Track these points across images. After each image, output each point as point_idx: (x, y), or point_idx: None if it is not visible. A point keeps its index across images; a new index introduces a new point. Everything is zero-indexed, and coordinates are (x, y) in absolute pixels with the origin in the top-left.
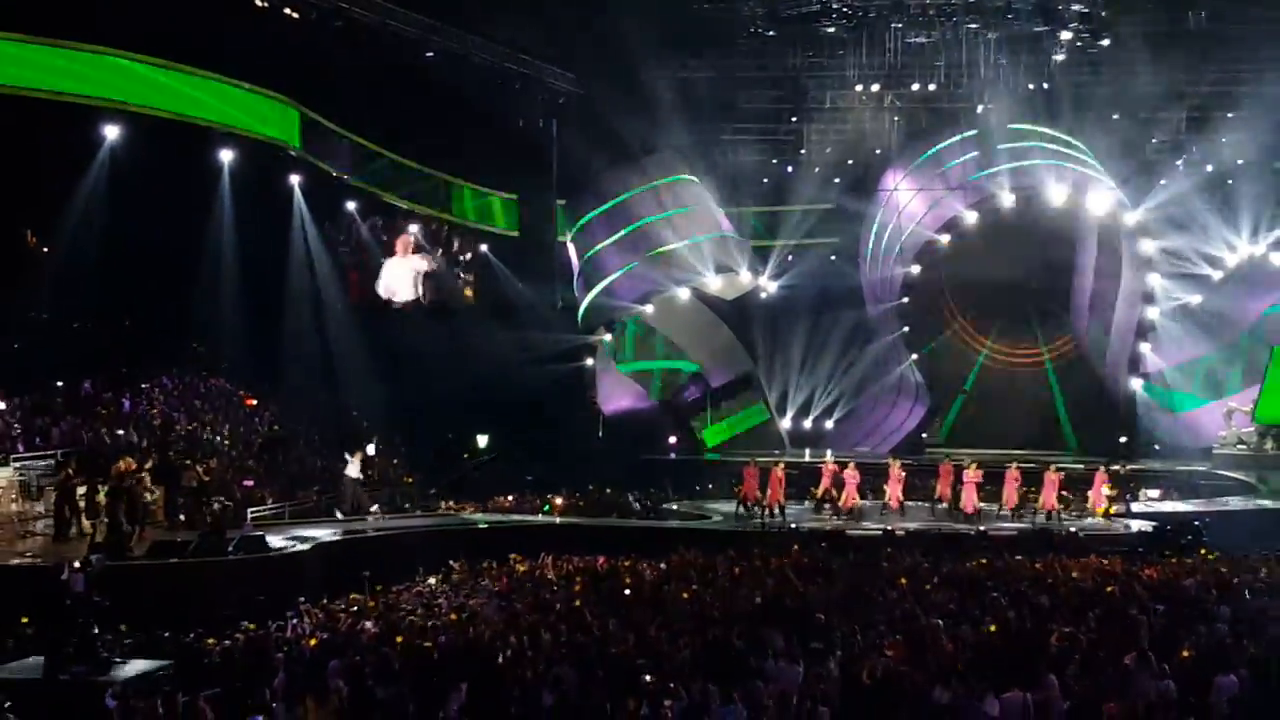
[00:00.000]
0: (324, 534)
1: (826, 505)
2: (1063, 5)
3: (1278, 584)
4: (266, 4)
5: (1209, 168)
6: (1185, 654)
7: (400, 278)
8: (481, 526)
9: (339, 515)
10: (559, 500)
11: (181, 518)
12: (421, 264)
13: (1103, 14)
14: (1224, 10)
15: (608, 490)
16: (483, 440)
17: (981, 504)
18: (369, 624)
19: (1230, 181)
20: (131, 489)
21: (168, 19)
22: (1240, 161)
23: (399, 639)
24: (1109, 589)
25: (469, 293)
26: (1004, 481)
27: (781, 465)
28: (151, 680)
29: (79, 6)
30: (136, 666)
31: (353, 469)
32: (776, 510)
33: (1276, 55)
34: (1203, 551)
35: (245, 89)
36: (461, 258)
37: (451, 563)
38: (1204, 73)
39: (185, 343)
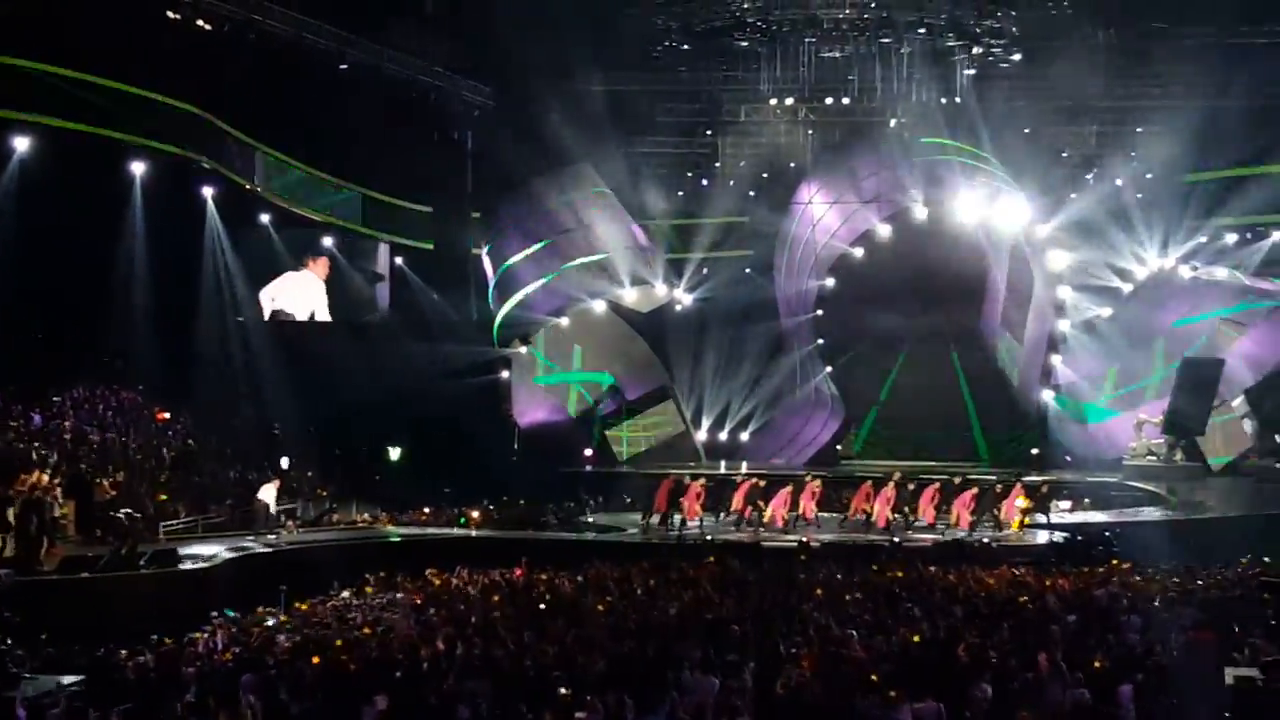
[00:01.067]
0: (237, 548)
1: (745, 520)
2: (974, 21)
3: (1188, 593)
4: (179, 16)
5: (1119, 182)
6: (1097, 663)
7: (297, 297)
8: (394, 540)
9: (252, 538)
10: (475, 513)
11: (98, 532)
12: (320, 285)
13: (1014, 30)
14: (1133, 27)
15: (524, 503)
16: (395, 453)
17: (895, 515)
18: (282, 638)
19: (1140, 195)
20: (41, 503)
21: (79, 30)
22: (1149, 176)
23: (313, 653)
24: (1021, 599)
25: (383, 306)
26: (921, 496)
27: (701, 481)
28: (63, 695)
29: None
30: (47, 681)
31: (267, 493)
32: (693, 522)
33: (1184, 70)
34: (1114, 562)
35: (157, 101)
36: (376, 270)
37: (367, 576)
38: (1113, 88)
39: (97, 356)
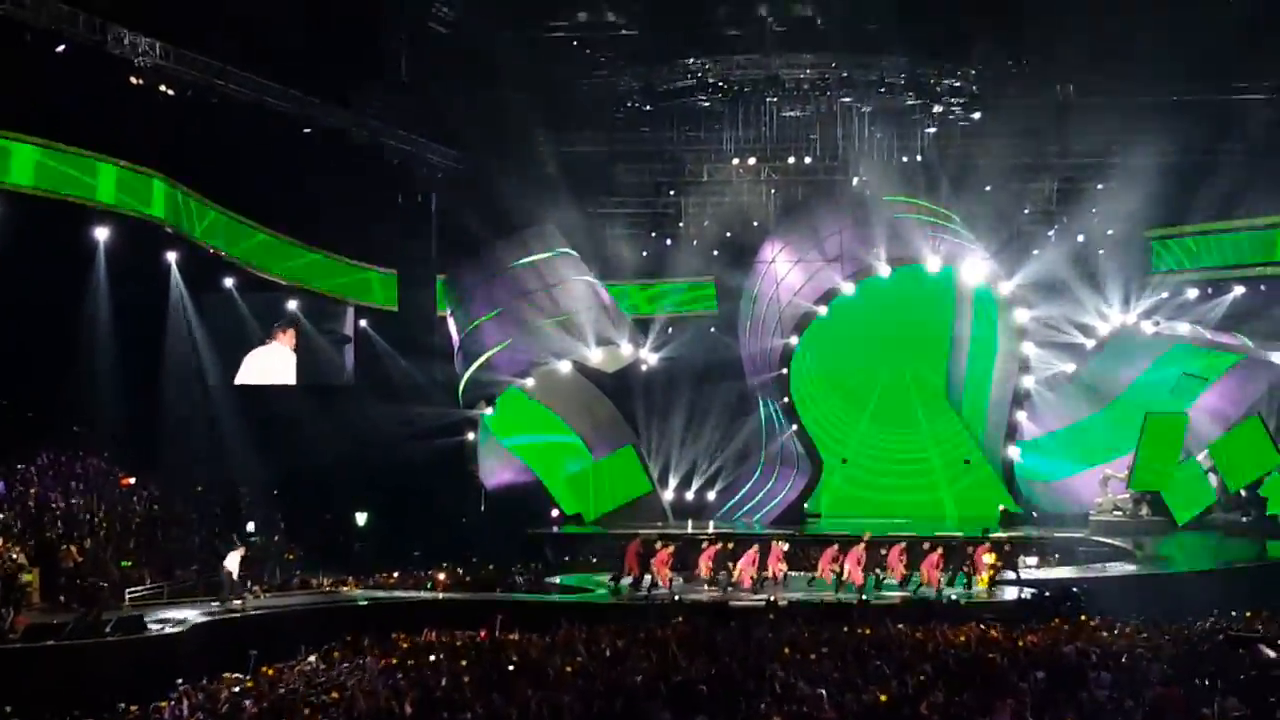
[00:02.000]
0: (203, 614)
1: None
2: (934, 80)
3: (1157, 649)
4: (141, 81)
5: (1080, 238)
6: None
7: (269, 368)
8: (361, 604)
9: (216, 605)
10: (441, 575)
11: (63, 600)
12: (289, 356)
13: (974, 88)
14: (1091, 84)
15: (491, 564)
16: (361, 518)
17: (866, 574)
18: (249, 703)
19: (1101, 251)
20: (6, 570)
21: (42, 96)
22: (1110, 232)
23: (282, 719)
24: (990, 656)
25: (349, 369)
26: (890, 554)
27: (670, 548)
28: None
29: None
30: None
31: (231, 561)
32: (661, 582)
33: (1143, 127)
34: (1083, 618)
35: (121, 166)
36: (341, 334)
37: (334, 641)
38: (1073, 145)
39: (61, 422)
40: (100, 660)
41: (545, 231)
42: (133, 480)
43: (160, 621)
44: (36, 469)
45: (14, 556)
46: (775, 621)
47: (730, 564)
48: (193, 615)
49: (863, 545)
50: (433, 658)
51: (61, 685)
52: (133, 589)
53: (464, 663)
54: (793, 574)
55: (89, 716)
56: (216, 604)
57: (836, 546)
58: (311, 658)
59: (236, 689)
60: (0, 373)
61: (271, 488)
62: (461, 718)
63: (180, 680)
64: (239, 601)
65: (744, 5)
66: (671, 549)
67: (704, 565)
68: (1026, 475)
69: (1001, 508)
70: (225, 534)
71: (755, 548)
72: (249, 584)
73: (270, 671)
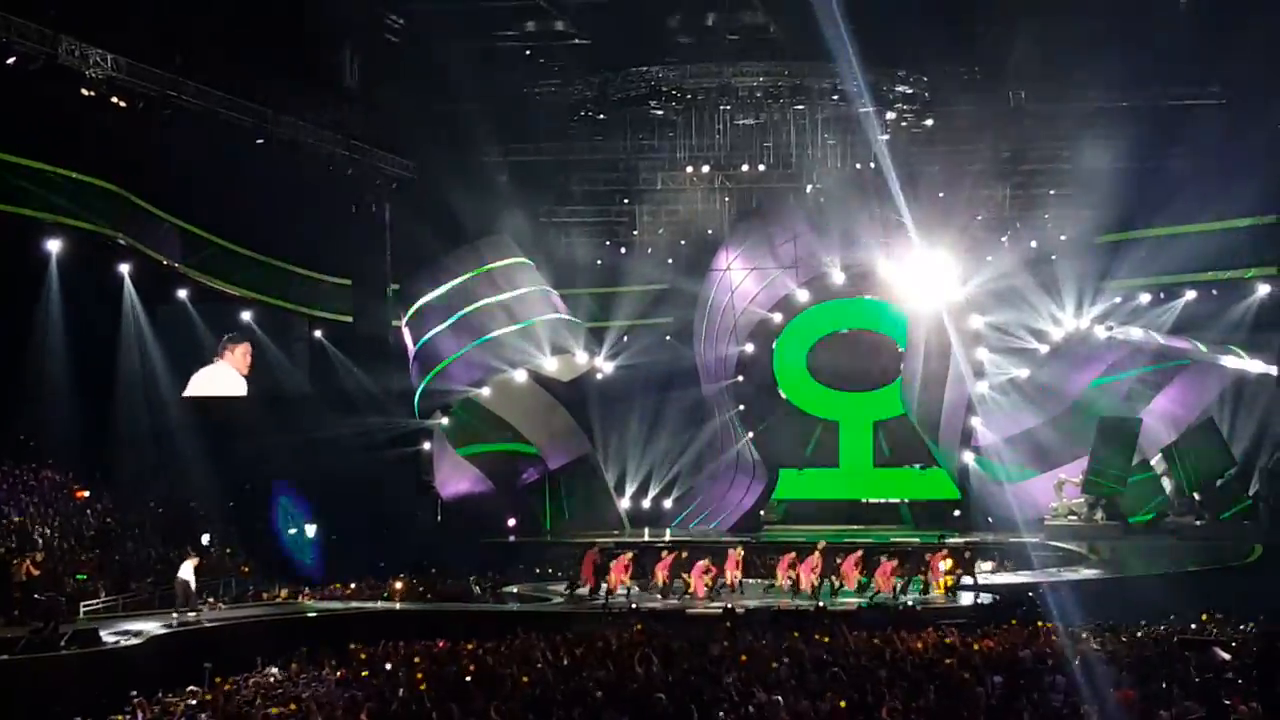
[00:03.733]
0: (159, 627)
1: (670, 590)
2: (887, 87)
3: (1112, 653)
4: (93, 93)
5: (1033, 244)
6: None
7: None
8: (317, 615)
9: (174, 617)
10: (398, 585)
11: (17, 613)
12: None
13: (926, 95)
14: (1044, 91)
15: (447, 575)
16: (310, 530)
17: (821, 581)
18: (204, 716)
19: (1054, 257)
20: None
21: None
22: (1063, 237)
23: None
24: (947, 661)
25: (303, 379)
26: (844, 562)
27: (628, 556)
28: None
29: None
30: None
31: (185, 571)
32: (618, 591)
33: (1095, 133)
34: (1039, 623)
35: (72, 178)
36: (295, 344)
37: (289, 653)
38: (1026, 151)
39: (14, 434)
40: (55, 674)
41: (500, 241)
42: (87, 493)
43: (116, 634)
44: None
45: None
46: (732, 629)
47: (685, 575)
48: (148, 628)
49: (818, 554)
50: (389, 668)
51: (17, 699)
52: (88, 602)
53: (420, 674)
54: (749, 581)
55: None
56: (174, 615)
57: (794, 554)
58: (268, 669)
59: (192, 701)
60: None
61: (226, 499)
62: None
63: (135, 693)
64: (194, 613)
65: (696, 14)
66: (630, 556)
67: (660, 574)
68: (981, 480)
69: (955, 512)
70: (180, 547)
71: (707, 559)
72: (204, 595)
73: (226, 684)
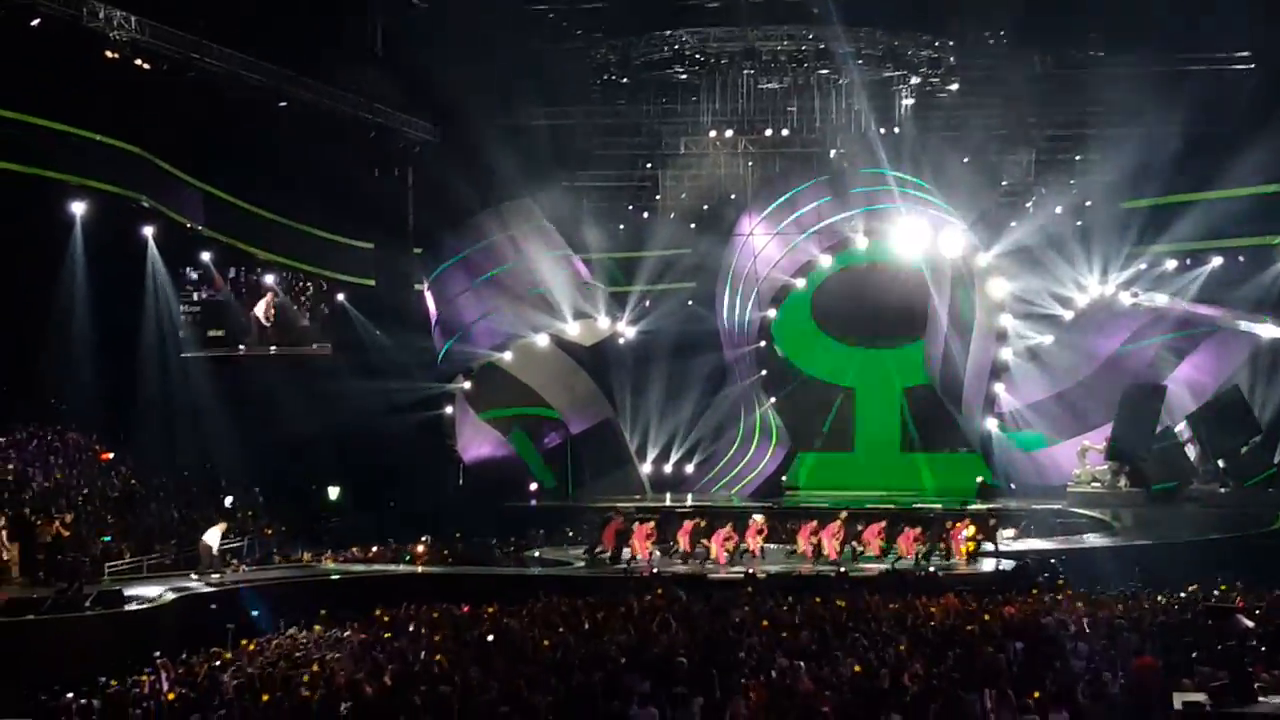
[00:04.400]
0: (182, 588)
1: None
2: (911, 51)
3: (1134, 620)
4: (117, 55)
5: (1058, 209)
6: (1041, 691)
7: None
8: (339, 578)
9: (194, 577)
10: (420, 549)
11: (42, 575)
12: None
13: (951, 60)
14: (1068, 55)
15: (469, 539)
16: (334, 492)
17: (844, 547)
18: (227, 677)
19: (1079, 222)
20: None
21: (17, 71)
22: (1088, 203)
23: (259, 692)
24: (968, 628)
25: (326, 342)
26: (867, 529)
27: (651, 523)
28: None
29: None
30: None
31: (212, 536)
32: (639, 557)
33: (1120, 98)
34: (1061, 584)
35: (97, 140)
36: (319, 307)
37: (313, 614)
38: (1051, 116)
39: (40, 397)
40: (80, 634)
41: (522, 205)
42: (111, 455)
43: (139, 596)
44: (15, 443)
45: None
46: (754, 595)
47: (705, 540)
48: (171, 589)
49: (840, 521)
50: (411, 631)
51: (41, 659)
52: (112, 563)
53: (442, 637)
54: (770, 547)
55: (68, 690)
56: (195, 577)
57: (815, 521)
58: (290, 631)
59: (216, 663)
60: None
61: (249, 462)
62: (440, 691)
63: (158, 654)
64: (217, 575)
65: None
66: (652, 524)
67: (683, 540)
68: (1004, 447)
69: (979, 480)
70: (203, 509)
71: (729, 525)
72: (228, 558)
73: (249, 645)
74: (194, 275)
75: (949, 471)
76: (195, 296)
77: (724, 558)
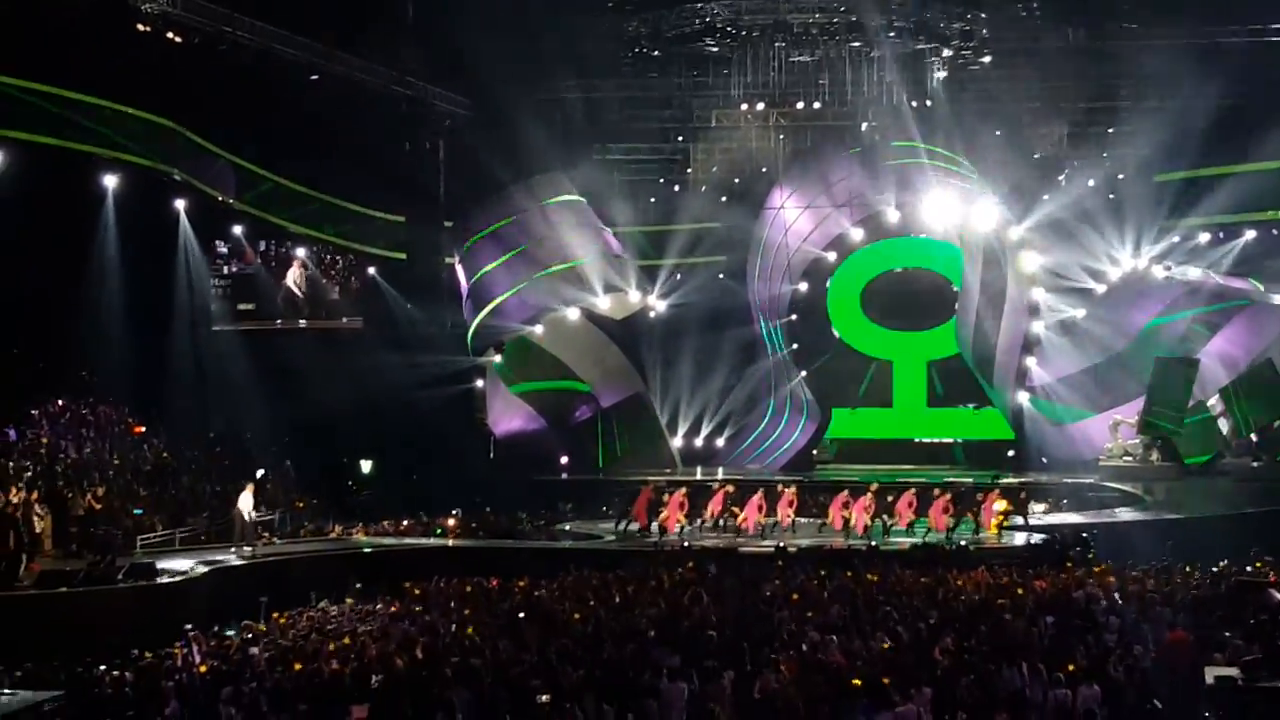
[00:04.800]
0: (215, 561)
1: (721, 525)
2: (944, 23)
3: (1167, 594)
4: (149, 28)
5: (1091, 182)
6: (1073, 665)
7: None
8: (371, 551)
9: (232, 551)
10: (451, 522)
11: (74, 547)
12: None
13: (983, 32)
14: (1102, 27)
15: (500, 512)
16: (367, 466)
17: (875, 521)
18: (258, 650)
19: (1112, 195)
20: (20, 518)
21: (49, 43)
22: (1121, 175)
23: (293, 664)
24: (999, 602)
25: (357, 316)
26: (898, 501)
27: (682, 491)
28: (42, 712)
29: None
30: (26, 697)
31: (244, 502)
32: (672, 529)
33: (1154, 70)
34: (1092, 558)
35: (129, 113)
36: (350, 281)
37: (345, 587)
38: (1084, 88)
39: (72, 370)
40: (113, 607)
41: (553, 178)
42: (144, 428)
43: (172, 568)
44: (48, 416)
45: (33, 504)
46: (784, 568)
47: (736, 509)
48: (202, 563)
49: (871, 494)
50: (442, 604)
51: (74, 632)
52: (144, 536)
53: (472, 610)
54: (801, 520)
55: (101, 662)
56: (232, 550)
57: (846, 493)
58: (322, 604)
59: (248, 635)
60: (12, 320)
61: (280, 435)
62: (471, 663)
63: (190, 626)
64: (249, 548)
65: None
66: (684, 493)
67: (712, 509)
68: (1036, 420)
69: (1009, 452)
70: (235, 482)
71: (760, 493)
72: (259, 528)
73: (281, 618)
74: (225, 248)
75: (979, 425)
76: (226, 270)
77: (754, 526)
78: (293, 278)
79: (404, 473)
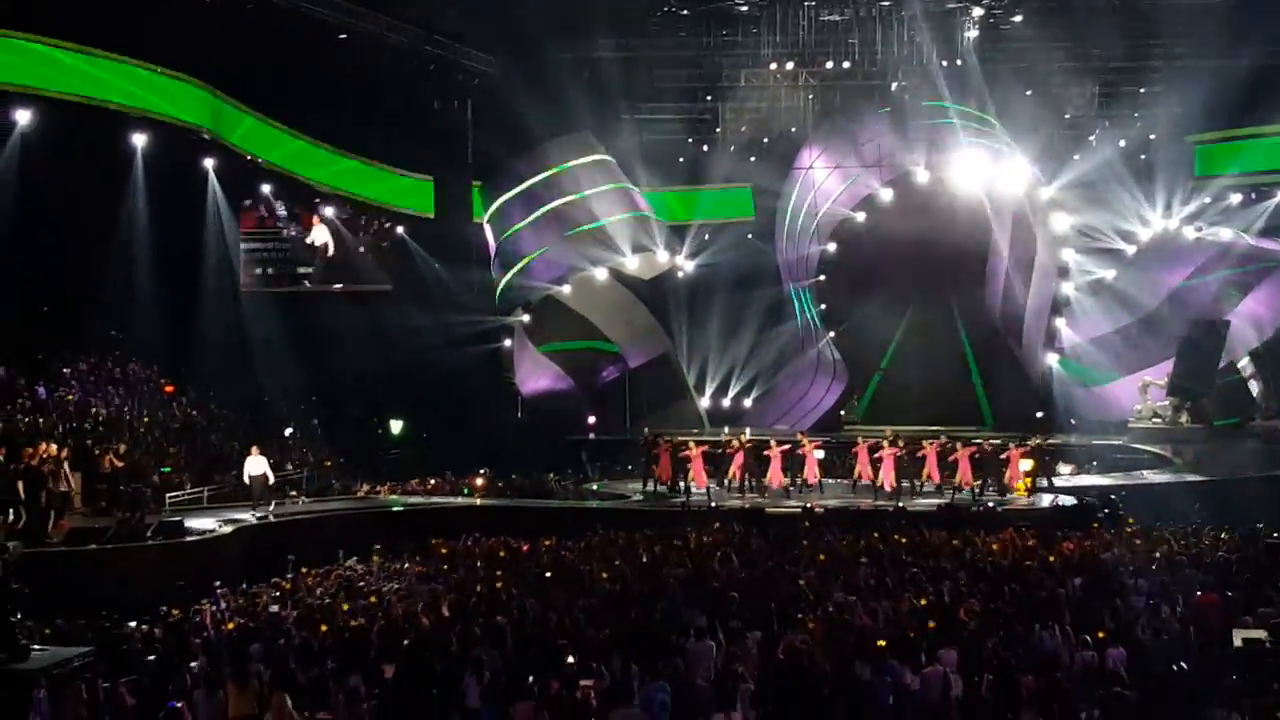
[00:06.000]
0: (242, 519)
1: (744, 485)
2: None
3: (1195, 556)
4: None
5: (1122, 142)
6: (1100, 628)
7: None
8: (399, 510)
9: (253, 513)
10: (479, 481)
11: (104, 504)
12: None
13: None
14: None
15: (528, 471)
16: (397, 426)
17: (903, 481)
18: (288, 607)
19: (1143, 156)
20: (49, 475)
21: (79, 3)
22: (1153, 136)
23: (320, 622)
24: (1026, 563)
25: (386, 275)
26: (925, 457)
27: (704, 447)
28: (71, 667)
29: None
30: (56, 654)
31: (255, 465)
32: (701, 485)
33: (1187, 30)
34: (1120, 520)
35: (158, 72)
36: (379, 242)
37: (372, 546)
38: (1116, 47)
39: (101, 328)
40: (141, 564)
41: (582, 138)
42: (173, 387)
43: (200, 526)
44: (77, 374)
45: (62, 461)
46: (811, 529)
47: (754, 462)
48: (232, 520)
49: (887, 445)
50: (469, 563)
51: (103, 588)
52: (173, 494)
53: (499, 569)
54: (829, 481)
55: (130, 619)
56: (253, 512)
57: (870, 443)
58: (350, 562)
59: (276, 593)
60: (41, 279)
61: (309, 394)
62: (498, 622)
63: (219, 584)
64: (261, 513)
65: None
66: (704, 449)
67: (733, 474)
68: (1065, 382)
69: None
70: (263, 441)
71: (787, 447)
72: (286, 489)
73: (309, 576)
74: (254, 207)
75: (1009, 409)
76: (255, 228)
77: (779, 482)
78: (318, 237)
79: (432, 432)
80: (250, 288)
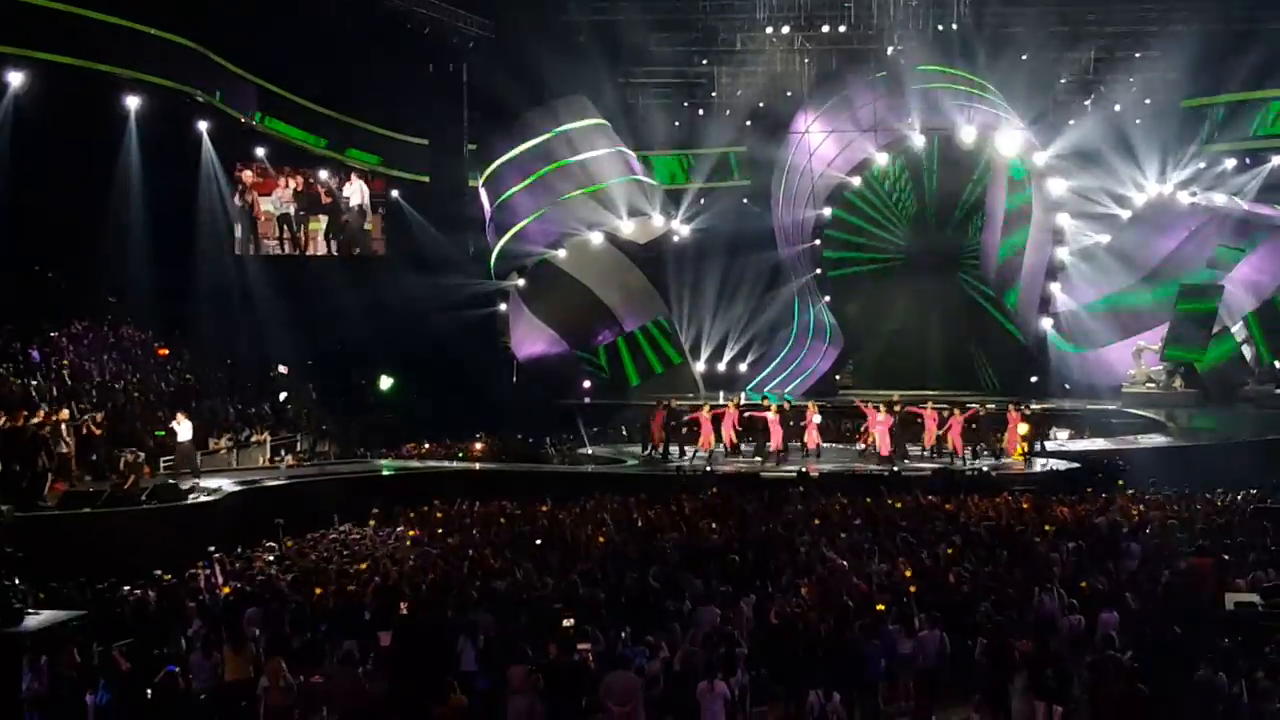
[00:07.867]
0: (237, 483)
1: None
2: None
3: (1188, 520)
4: None
5: (1117, 108)
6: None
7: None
8: (393, 474)
9: (176, 483)
10: (475, 446)
11: (96, 461)
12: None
13: None
14: None
15: (523, 436)
16: (386, 382)
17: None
18: (281, 570)
19: (1138, 121)
20: (44, 438)
21: None
22: (1148, 101)
23: (314, 585)
24: (1020, 528)
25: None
26: (922, 422)
27: (708, 408)
28: (66, 631)
29: None
30: (50, 617)
31: (183, 431)
32: (702, 452)
33: None
34: (1122, 484)
35: (151, 34)
36: (374, 207)
37: (368, 510)
38: (1112, 13)
39: (96, 291)
40: (136, 527)
41: (578, 101)
42: (168, 351)
43: (194, 490)
44: (70, 338)
45: (61, 425)
46: (806, 493)
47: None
48: (227, 484)
49: (884, 409)
50: (465, 527)
51: (98, 552)
52: (167, 458)
53: (495, 533)
54: (825, 445)
55: (125, 583)
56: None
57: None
58: (345, 526)
59: (269, 557)
60: (35, 242)
61: (303, 358)
62: (494, 586)
63: (213, 548)
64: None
65: None
66: (706, 411)
67: (726, 431)
68: (1059, 347)
69: (1033, 378)
70: (257, 404)
71: (775, 409)
72: (281, 453)
73: (304, 541)
74: (248, 170)
75: (1004, 373)
76: (249, 192)
77: (779, 442)
78: (312, 201)
79: (427, 396)
80: (245, 252)
